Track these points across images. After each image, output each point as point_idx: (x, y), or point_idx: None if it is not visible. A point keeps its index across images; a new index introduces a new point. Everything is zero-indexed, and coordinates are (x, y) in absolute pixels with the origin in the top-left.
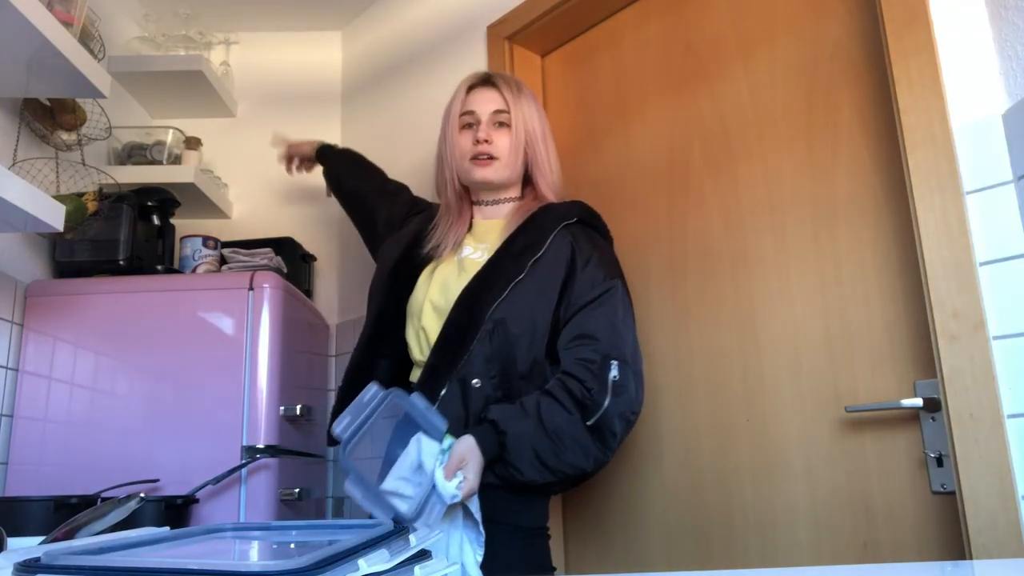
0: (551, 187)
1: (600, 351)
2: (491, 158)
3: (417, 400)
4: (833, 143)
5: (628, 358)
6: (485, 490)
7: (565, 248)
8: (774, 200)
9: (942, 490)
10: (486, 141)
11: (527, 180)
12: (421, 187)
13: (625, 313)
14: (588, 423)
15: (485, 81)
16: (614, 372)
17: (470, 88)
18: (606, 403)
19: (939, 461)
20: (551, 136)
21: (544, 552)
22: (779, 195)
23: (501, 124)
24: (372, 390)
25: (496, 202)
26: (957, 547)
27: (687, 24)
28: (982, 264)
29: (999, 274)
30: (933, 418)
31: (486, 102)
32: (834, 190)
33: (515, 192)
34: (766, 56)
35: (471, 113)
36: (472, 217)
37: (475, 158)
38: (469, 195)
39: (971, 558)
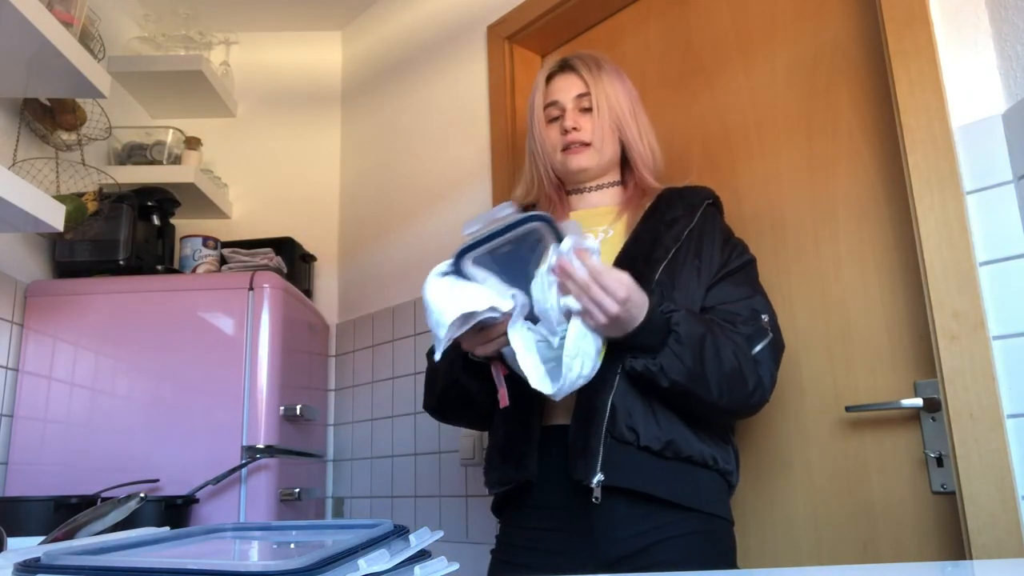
0: (648, 166)
1: (748, 306)
2: (583, 144)
3: (573, 228)
4: (833, 143)
5: (773, 316)
6: (648, 464)
7: (711, 223)
8: (774, 200)
9: (942, 490)
10: (575, 129)
11: (625, 161)
12: (422, 184)
13: (762, 287)
14: (752, 352)
15: (563, 67)
16: (766, 326)
17: (549, 77)
18: (766, 341)
19: (939, 461)
20: (642, 110)
21: (731, 547)
22: (779, 195)
23: (585, 109)
24: (508, 208)
25: (600, 187)
26: (957, 547)
27: (687, 24)
28: (982, 264)
29: (999, 274)
30: (933, 418)
31: (567, 89)
32: (834, 190)
33: (615, 175)
34: (766, 56)
35: (555, 104)
36: (569, 208)
37: (566, 148)
38: (564, 187)
39: (971, 558)
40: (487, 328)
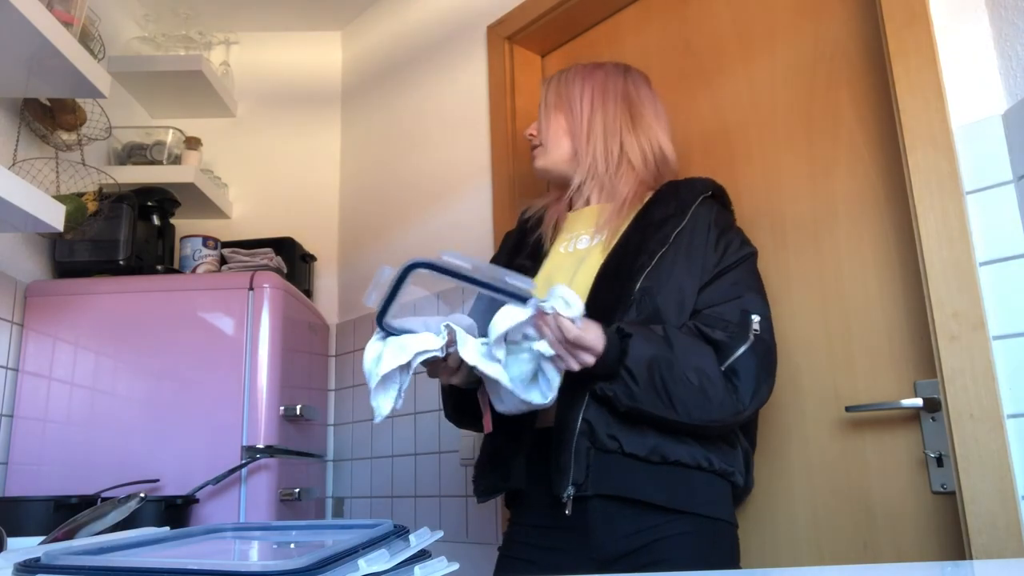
0: (587, 167)
1: (738, 307)
2: (537, 147)
3: (451, 255)
4: (833, 143)
5: (766, 315)
6: (649, 471)
7: (705, 219)
8: (774, 200)
9: (942, 490)
10: (531, 134)
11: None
12: (422, 184)
13: (760, 281)
14: (722, 366)
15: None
16: (755, 324)
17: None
18: (744, 346)
19: (939, 461)
20: (619, 109)
21: (730, 548)
22: (779, 195)
23: (546, 112)
24: (387, 270)
25: (579, 188)
26: (957, 547)
27: (687, 24)
28: (982, 264)
29: (999, 274)
30: (933, 418)
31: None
32: (834, 190)
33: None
34: (766, 56)
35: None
36: (570, 208)
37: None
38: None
39: (971, 558)
40: (443, 360)
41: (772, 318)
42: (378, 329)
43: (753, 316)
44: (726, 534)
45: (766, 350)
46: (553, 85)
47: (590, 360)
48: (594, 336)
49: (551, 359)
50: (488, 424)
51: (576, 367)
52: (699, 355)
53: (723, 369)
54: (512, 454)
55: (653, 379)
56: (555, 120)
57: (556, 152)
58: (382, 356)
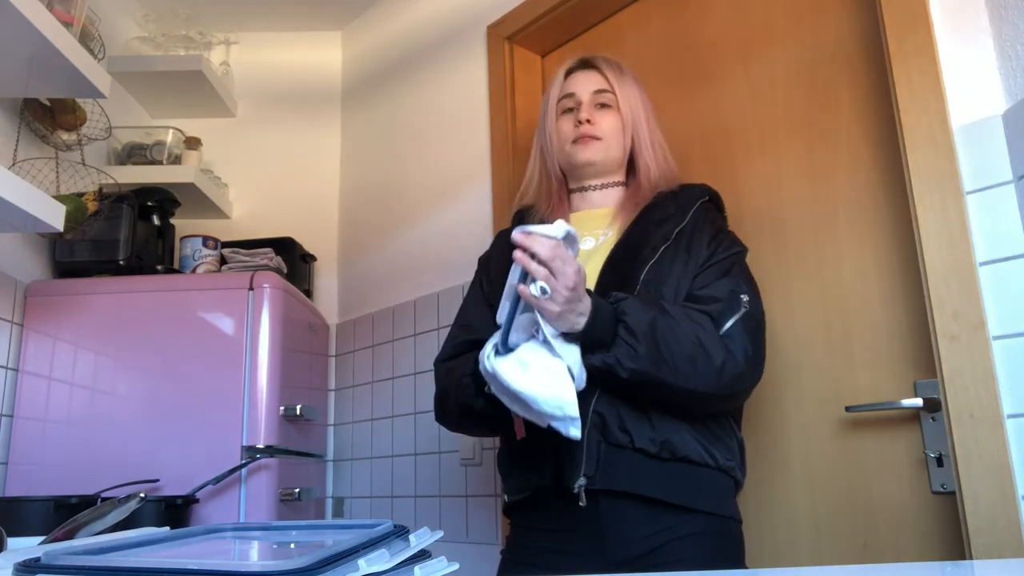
0: (660, 172)
1: (727, 287)
2: (594, 138)
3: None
4: (833, 143)
5: (755, 297)
6: (650, 467)
7: (702, 221)
8: (774, 200)
9: (942, 490)
10: (588, 121)
11: (630, 167)
12: (422, 184)
13: (749, 273)
14: (720, 331)
15: (584, 64)
16: (744, 302)
17: (569, 72)
18: (735, 316)
19: (939, 461)
20: (655, 121)
21: (738, 546)
22: (779, 195)
23: (603, 105)
24: (518, 270)
25: (604, 186)
26: (957, 547)
27: (687, 24)
28: (982, 264)
29: (999, 274)
30: (933, 418)
31: (586, 83)
32: (834, 190)
33: (619, 176)
34: (766, 56)
35: (571, 96)
36: (570, 208)
37: (576, 140)
38: (567, 184)
39: (971, 558)
40: None
41: (775, 320)
42: (500, 346)
43: (742, 296)
44: (734, 532)
45: (756, 325)
46: (617, 84)
47: (569, 270)
48: (581, 271)
49: (538, 308)
50: (521, 428)
51: (564, 291)
52: (696, 322)
53: (721, 333)
54: (542, 453)
55: (655, 338)
56: (615, 119)
57: (616, 152)
58: (542, 372)
